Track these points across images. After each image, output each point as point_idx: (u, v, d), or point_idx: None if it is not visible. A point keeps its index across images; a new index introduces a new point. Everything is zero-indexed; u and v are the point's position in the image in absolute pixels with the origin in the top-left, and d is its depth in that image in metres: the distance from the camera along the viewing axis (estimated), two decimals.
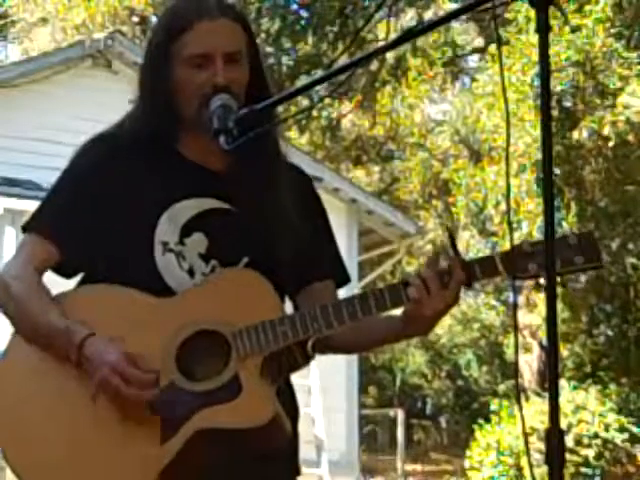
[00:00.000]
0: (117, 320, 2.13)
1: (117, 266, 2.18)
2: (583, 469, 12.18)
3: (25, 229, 2.25)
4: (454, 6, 13.09)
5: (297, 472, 2.29)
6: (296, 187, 2.31)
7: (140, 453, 2.03)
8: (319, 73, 16.28)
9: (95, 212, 2.20)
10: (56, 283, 2.27)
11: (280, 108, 2.38)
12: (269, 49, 16.42)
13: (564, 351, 17.09)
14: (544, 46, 1.79)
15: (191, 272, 2.18)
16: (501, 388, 23.13)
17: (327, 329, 2.09)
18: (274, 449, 2.08)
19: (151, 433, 2.03)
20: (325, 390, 11.33)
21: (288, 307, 2.27)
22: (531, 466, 2.03)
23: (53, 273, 2.24)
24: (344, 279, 2.40)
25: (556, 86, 13.29)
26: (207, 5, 2.21)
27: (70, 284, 2.28)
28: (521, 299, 17.42)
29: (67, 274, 2.27)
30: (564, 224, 14.31)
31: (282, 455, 2.13)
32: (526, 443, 2.00)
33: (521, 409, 2.07)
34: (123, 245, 2.18)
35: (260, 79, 2.25)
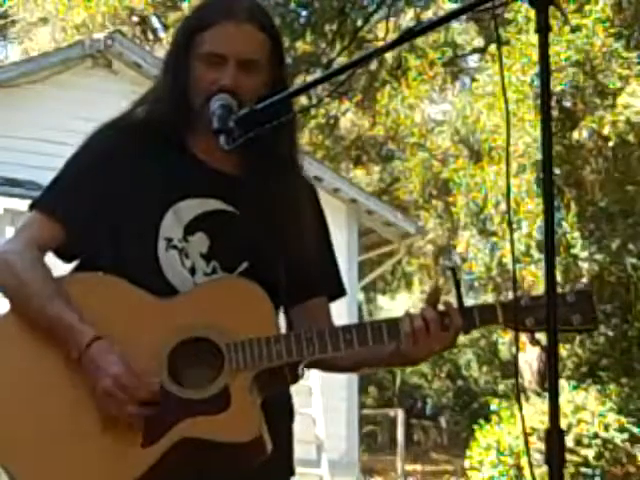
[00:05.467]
0: (113, 314, 2.11)
1: (119, 257, 2.17)
2: (583, 469, 12.17)
3: (32, 207, 2.24)
4: (454, 6, 13.09)
5: (291, 473, 2.29)
6: (302, 197, 2.30)
7: (119, 453, 2.02)
8: (318, 72, 16.29)
9: (102, 199, 2.20)
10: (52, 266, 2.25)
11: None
12: None
13: (564, 351, 17.07)
14: (544, 46, 1.79)
15: (193, 270, 2.18)
16: (501, 388, 23.12)
17: (321, 354, 2.09)
18: (253, 465, 2.07)
19: (132, 433, 2.02)
20: (325, 390, 11.33)
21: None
22: (531, 466, 2.04)
23: (53, 255, 2.23)
24: (339, 292, 2.40)
25: (556, 86, 13.29)
26: (238, 8, 2.20)
27: (66, 268, 2.26)
28: None
29: (67, 257, 2.25)
30: (564, 224, 14.31)
31: (269, 457, 2.10)
32: (526, 443, 2.00)
33: (521, 409, 2.07)
34: (127, 237, 2.18)
35: (280, 92, 2.20)
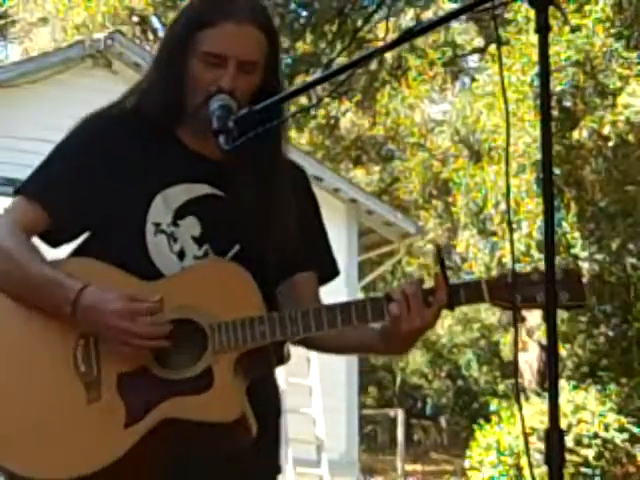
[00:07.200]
0: None
1: (108, 243, 2.18)
2: (583, 469, 12.18)
3: (16, 192, 2.24)
4: (454, 6, 13.10)
5: (277, 471, 2.28)
6: (291, 181, 2.30)
7: (102, 434, 2.03)
8: (318, 72, 16.30)
9: (88, 185, 2.20)
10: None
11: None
12: None
13: (564, 351, 17.09)
14: (544, 46, 1.79)
15: (181, 254, 2.18)
16: (501, 388, 23.13)
17: (305, 333, 2.10)
18: (240, 449, 2.07)
19: (116, 415, 2.03)
20: (325, 390, 11.32)
21: None
22: (531, 466, 2.03)
23: (40, 240, 2.23)
24: (331, 273, 2.39)
25: (556, 86, 13.30)
26: (238, 7, 2.18)
27: (56, 254, 2.26)
28: None
29: (54, 242, 2.25)
30: (564, 224, 14.32)
31: (254, 454, 2.11)
32: (526, 443, 2.01)
33: (521, 409, 2.07)
34: (114, 223, 2.19)
35: (271, 93, 2.19)
